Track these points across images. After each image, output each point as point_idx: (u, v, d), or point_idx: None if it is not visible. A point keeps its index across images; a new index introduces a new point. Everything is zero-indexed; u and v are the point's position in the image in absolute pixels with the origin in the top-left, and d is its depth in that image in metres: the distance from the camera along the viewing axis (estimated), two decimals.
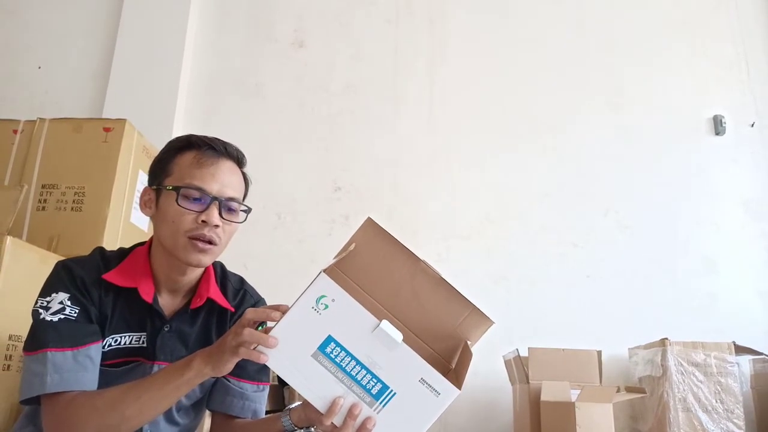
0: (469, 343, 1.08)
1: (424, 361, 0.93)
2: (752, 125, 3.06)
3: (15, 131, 2.15)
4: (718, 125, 3.03)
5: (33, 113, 2.23)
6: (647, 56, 3.16)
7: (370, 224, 1.12)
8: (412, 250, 1.13)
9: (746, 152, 3.03)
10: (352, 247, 1.12)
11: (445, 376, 0.93)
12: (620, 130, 3.05)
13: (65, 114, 2.27)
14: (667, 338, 2.35)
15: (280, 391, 2.33)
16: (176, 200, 1.09)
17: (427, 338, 1.11)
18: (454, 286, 1.11)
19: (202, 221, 1.10)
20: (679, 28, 3.21)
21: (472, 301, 1.10)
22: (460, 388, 0.93)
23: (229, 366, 0.97)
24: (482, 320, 1.10)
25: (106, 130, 2.13)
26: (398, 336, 0.94)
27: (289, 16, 3.29)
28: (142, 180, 2.24)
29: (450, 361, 1.12)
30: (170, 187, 1.11)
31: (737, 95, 3.11)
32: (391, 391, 0.94)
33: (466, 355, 1.03)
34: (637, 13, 3.24)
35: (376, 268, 1.12)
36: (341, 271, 1.12)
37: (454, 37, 3.23)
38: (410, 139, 3.07)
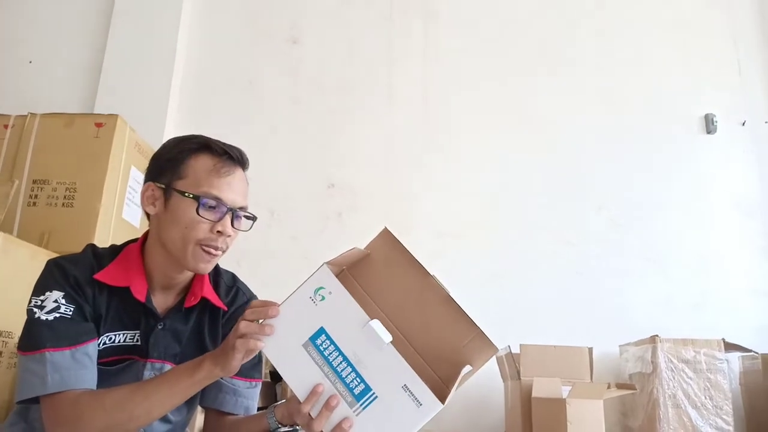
0: (470, 368, 1.05)
1: (410, 368, 0.93)
2: (743, 124, 3.08)
3: (6, 126, 2.14)
4: (709, 124, 3.05)
5: (24, 108, 2.22)
6: (640, 55, 3.17)
7: (386, 234, 1.12)
8: (422, 264, 1.10)
9: (737, 151, 3.05)
10: (366, 255, 1.11)
11: (438, 397, 0.91)
12: (613, 128, 3.07)
13: (56, 109, 2.25)
14: (657, 335, 2.37)
15: (273, 388, 2.33)
16: (197, 209, 1.09)
17: (430, 360, 1.07)
18: (460, 305, 1.08)
19: (218, 231, 1.10)
20: (672, 27, 3.23)
21: (477, 324, 1.07)
22: (443, 403, 0.91)
23: (236, 364, 0.98)
24: (486, 346, 1.06)
25: (98, 125, 2.12)
26: (386, 337, 0.94)
27: (283, 12, 3.28)
28: (134, 176, 2.23)
29: (449, 385, 1.10)
30: (190, 195, 1.09)
31: (729, 94, 3.13)
32: (373, 393, 0.93)
33: (459, 380, 1.01)
34: (630, 12, 3.25)
35: (386, 279, 1.11)
36: (353, 277, 1.12)
37: (448, 35, 3.23)
38: (404, 136, 3.07)
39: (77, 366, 1.03)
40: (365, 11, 3.27)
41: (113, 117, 2.14)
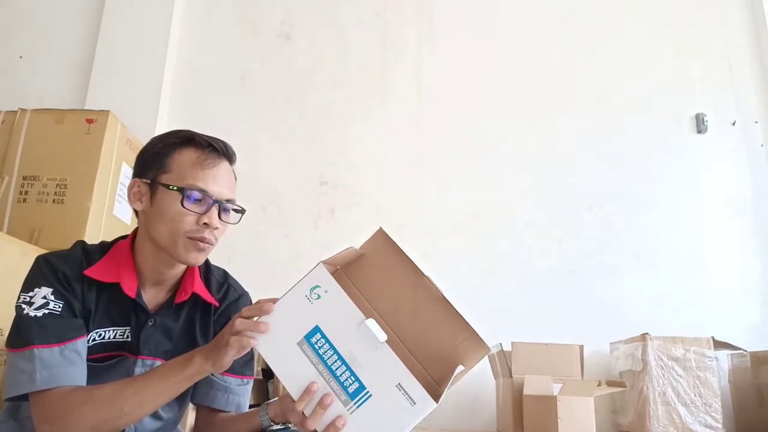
0: (462, 368, 1.05)
1: (404, 367, 0.93)
2: (734, 124, 3.11)
3: None
4: (700, 123, 3.07)
5: (14, 104, 2.20)
6: (632, 54, 3.19)
7: (380, 235, 1.12)
8: (417, 264, 1.10)
9: (728, 150, 3.07)
10: (361, 255, 1.12)
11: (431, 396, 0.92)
12: (605, 127, 3.08)
13: (47, 105, 2.24)
14: (647, 333, 2.38)
15: (265, 386, 2.33)
16: (181, 202, 1.08)
17: (423, 360, 1.08)
18: (453, 305, 1.08)
19: (204, 224, 1.10)
20: (664, 26, 3.24)
21: (470, 324, 1.07)
22: (437, 401, 0.91)
23: (228, 360, 0.98)
24: (479, 345, 1.06)
25: (89, 121, 2.11)
26: (382, 336, 0.94)
27: (275, 8, 3.27)
28: (125, 172, 2.22)
29: (442, 385, 1.09)
30: (175, 188, 1.09)
31: (720, 94, 3.15)
32: (367, 392, 0.93)
33: (452, 380, 1.02)
34: (622, 11, 3.26)
35: (380, 279, 1.11)
36: (347, 277, 1.12)
37: (442, 32, 3.23)
38: (397, 133, 3.07)
39: (66, 363, 1.02)
40: (358, 7, 3.27)
41: (104, 113, 2.12)
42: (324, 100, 3.12)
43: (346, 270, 1.12)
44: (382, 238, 1.12)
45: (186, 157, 1.12)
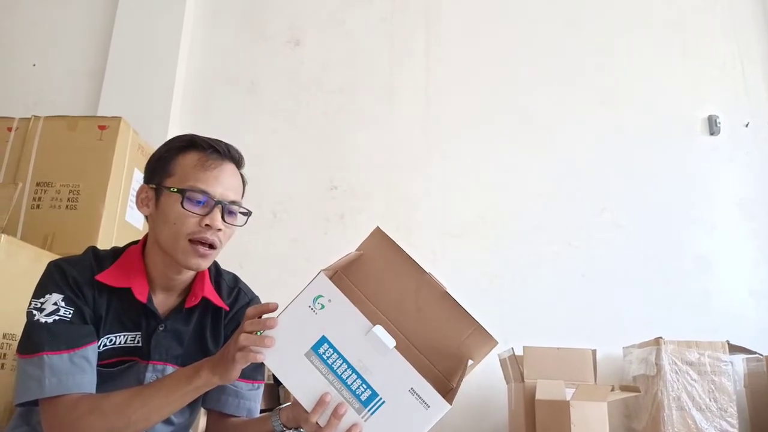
0: (471, 362, 1.06)
1: (416, 371, 0.93)
2: (747, 125, 3.07)
3: (9, 129, 2.15)
4: (712, 125, 3.05)
5: (27, 111, 2.23)
6: (642, 56, 3.17)
7: (378, 234, 1.12)
8: (416, 259, 1.10)
9: (740, 152, 3.04)
10: (359, 255, 1.11)
11: (443, 394, 0.92)
12: (615, 129, 3.06)
13: (60, 112, 2.26)
14: (661, 337, 2.36)
15: (276, 390, 2.33)
16: (181, 203, 1.09)
17: (430, 355, 1.09)
18: (458, 301, 1.08)
19: (206, 225, 1.10)
20: (674, 27, 3.22)
21: (476, 319, 1.08)
22: (450, 403, 0.91)
23: (235, 374, 0.98)
24: (486, 339, 1.07)
25: (101, 128, 2.13)
26: (390, 342, 0.93)
27: (284, 14, 3.29)
28: (138, 178, 2.23)
29: (451, 380, 1.10)
30: (175, 189, 1.10)
31: (732, 95, 3.12)
32: (380, 398, 0.93)
33: (464, 374, 1.02)
34: (632, 12, 3.25)
35: (381, 278, 1.11)
36: (347, 278, 1.11)
37: (450, 36, 3.23)
38: (405, 137, 3.07)
39: (75, 370, 1.02)
40: (366, 13, 3.28)
41: (116, 119, 2.14)
42: (333, 105, 3.13)
43: (346, 271, 1.11)
44: (379, 237, 1.11)
45: (188, 160, 1.13)
